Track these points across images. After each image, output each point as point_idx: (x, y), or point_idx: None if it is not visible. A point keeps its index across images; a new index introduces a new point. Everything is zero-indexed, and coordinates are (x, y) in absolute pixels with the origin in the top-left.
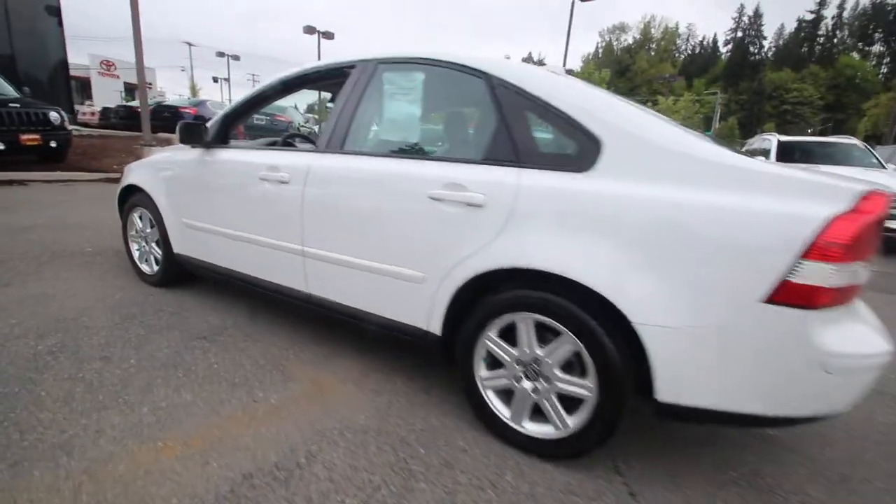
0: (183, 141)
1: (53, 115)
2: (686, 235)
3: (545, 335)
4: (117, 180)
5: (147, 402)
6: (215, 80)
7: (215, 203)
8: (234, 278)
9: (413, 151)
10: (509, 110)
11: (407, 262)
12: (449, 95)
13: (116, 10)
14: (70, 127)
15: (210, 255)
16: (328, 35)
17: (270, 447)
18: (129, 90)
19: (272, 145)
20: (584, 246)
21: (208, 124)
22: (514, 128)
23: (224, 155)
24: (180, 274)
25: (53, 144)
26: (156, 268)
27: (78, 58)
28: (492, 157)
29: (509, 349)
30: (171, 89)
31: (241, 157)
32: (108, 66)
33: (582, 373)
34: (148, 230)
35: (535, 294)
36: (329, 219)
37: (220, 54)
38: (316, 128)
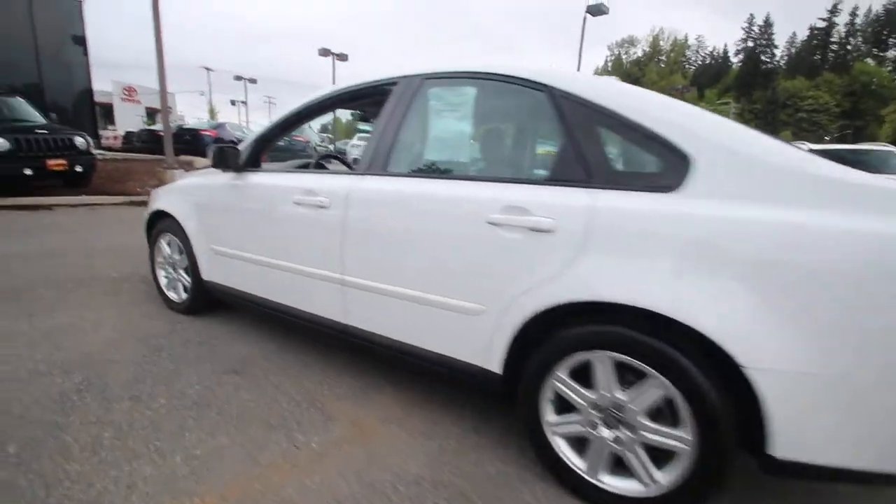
0: (216, 165)
1: (79, 141)
2: (809, 264)
3: (627, 376)
4: (140, 203)
5: (180, 449)
6: (233, 103)
7: (247, 229)
8: (266, 307)
9: (466, 172)
10: (576, 125)
11: (461, 294)
12: (504, 111)
13: (137, 38)
14: (95, 151)
15: (241, 283)
16: (342, 57)
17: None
18: (150, 114)
19: (304, 168)
20: (677, 276)
21: (240, 147)
22: (583, 144)
23: (257, 179)
24: (209, 301)
25: (79, 169)
26: (184, 295)
27: (101, 85)
28: (558, 178)
29: (583, 392)
30: (190, 113)
31: (274, 181)
32: (129, 93)
33: (674, 422)
34: (176, 257)
35: (616, 330)
36: (372, 245)
37: (238, 78)
38: (331, 147)
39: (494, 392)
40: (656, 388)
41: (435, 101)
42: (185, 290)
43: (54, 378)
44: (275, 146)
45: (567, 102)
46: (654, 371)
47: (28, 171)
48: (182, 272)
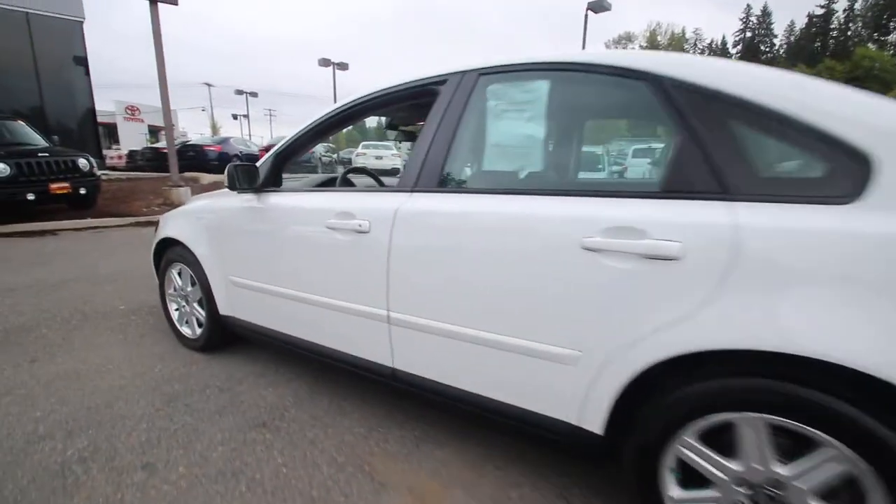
0: (233, 186)
1: (82, 162)
2: None
3: (783, 441)
4: (147, 224)
5: None
6: (234, 117)
7: (270, 258)
8: (294, 346)
9: (546, 185)
10: (702, 121)
11: (546, 337)
12: (590, 108)
13: (138, 58)
14: (98, 172)
15: (263, 319)
16: (343, 66)
17: None
18: (153, 132)
19: (329, 184)
20: (869, 316)
21: (258, 164)
22: (712, 145)
23: (279, 200)
24: (226, 337)
25: (83, 191)
26: (199, 331)
27: (104, 105)
28: (680, 188)
29: (723, 462)
30: (192, 129)
31: (300, 202)
32: (132, 111)
33: None
34: (188, 289)
35: (774, 386)
36: (427, 277)
37: (239, 92)
38: (334, 156)
39: (590, 454)
40: (836, 461)
41: (496, 100)
42: (200, 325)
43: (55, 443)
44: (295, 161)
45: (685, 94)
46: (832, 439)
47: (31, 196)
48: (196, 305)
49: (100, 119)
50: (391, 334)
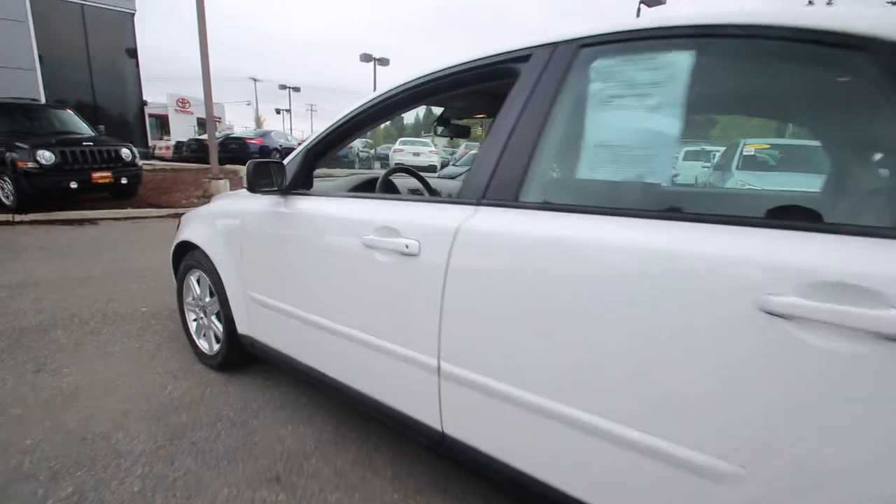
0: (253, 188)
1: (125, 152)
2: None
3: None
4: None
5: None
6: (277, 111)
7: (294, 275)
8: (319, 381)
9: (698, 207)
10: None
11: (711, 442)
12: (764, 93)
13: (192, 53)
14: (140, 163)
15: (285, 345)
16: (383, 62)
17: None
18: (202, 124)
19: (367, 188)
20: None
21: (286, 161)
22: None
23: (308, 205)
24: (246, 356)
25: (124, 181)
26: (216, 347)
27: (157, 97)
28: None
29: None
30: (238, 122)
31: (333, 210)
32: (183, 104)
33: None
34: (207, 299)
35: None
36: (497, 324)
37: (283, 87)
38: (371, 151)
39: None
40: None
41: (604, 81)
42: (218, 340)
43: (37, 487)
44: (328, 160)
45: None
46: None
47: (74, 185)
48: (214, 319)
49: (153, 111)
50: (441, 390)
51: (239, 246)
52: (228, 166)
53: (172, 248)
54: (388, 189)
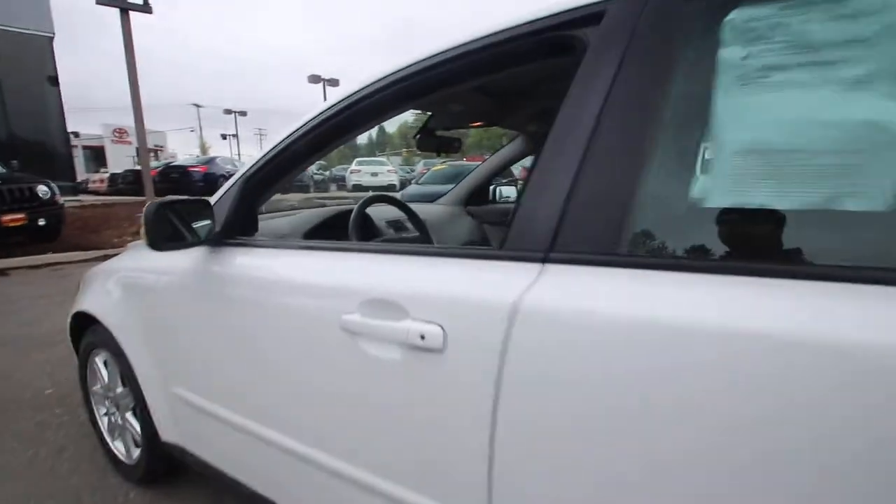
0: (157, 244)
1: (42, 190)
2: None
3: None
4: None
5: None
6: (224, 136)
7: (236, 366)
8: None
9: None
10: None
11: None
12: None
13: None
14: (62, 200)
15: (229, 463)
16: (333, 82)
17: None
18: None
19: (332, 227)
20: None
21: (214, 199)
22: None
23: (250, 261)
24: (175, 464)
25: (42, 223)
26: (136, 453)
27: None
28: None
29: None
30: (182, 149)
31: (288, 270)
32: (120, 134)
33: None
34: (118, 390)
35: None
36: (598, 463)
37: (228, 111)
38: (326, 173)
39: None
40: None
41: (753, 42)
42: (138, 444)
43: None
44: (277, 190)
45: None
46: None
47: None
48: (129, 416)
49: (87, 142)
50: None
51: (154, 322)
52: (170, 197)
53: (69, 320)
54: (365, 228)
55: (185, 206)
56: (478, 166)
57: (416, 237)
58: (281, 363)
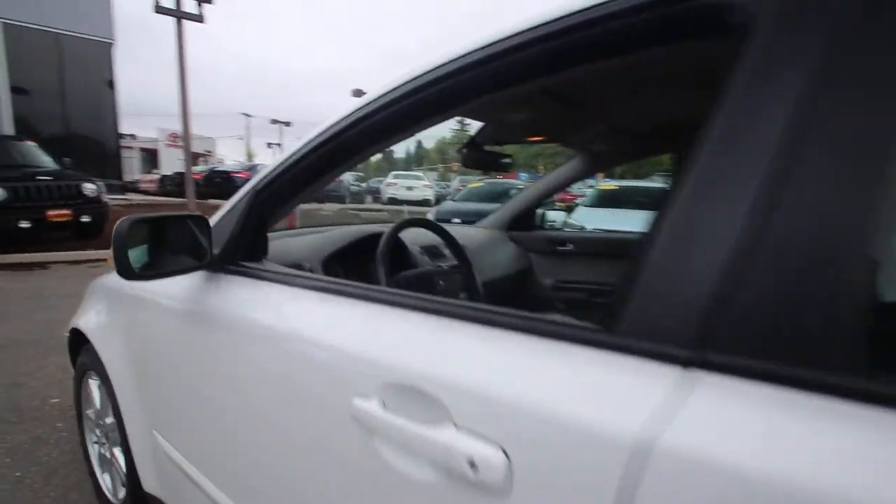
0: (126, 272)
1: (88, 187)
2: None
3: None
4: None
5: None
6: (269, 145)
7: (221, 431)
8: None
9: None
10: None
11: None
12: None
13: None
14: (107, 198)
15: None
16: None
17: None
18: (192, 158)
19: (357, 252)
20: None
21: (216, 218)
22: None
23: (252, 295)
24: None
25: (86, 219)
26: (121, 492)
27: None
28: None
29: None
30: (230, 156)
31: (293, 314)
32: (174, 138)
33: None
34: (108, 419)
35: None
36: None
37: (274, 121)
38: (363, 185)
39: None
40: None
41: None
42: (123, 483)
43: None
44: (292, 207)
45: None
46: None
47: (25, 224)
48: (117, 452)
49: (143, 145)
50: None
51: (139, 353)
52: (212, 201)
53: (66, 334)
54: (396, 255)
55: (173, 223)
56: (518, 185)
57: (453, 266)
58: (272, 440)
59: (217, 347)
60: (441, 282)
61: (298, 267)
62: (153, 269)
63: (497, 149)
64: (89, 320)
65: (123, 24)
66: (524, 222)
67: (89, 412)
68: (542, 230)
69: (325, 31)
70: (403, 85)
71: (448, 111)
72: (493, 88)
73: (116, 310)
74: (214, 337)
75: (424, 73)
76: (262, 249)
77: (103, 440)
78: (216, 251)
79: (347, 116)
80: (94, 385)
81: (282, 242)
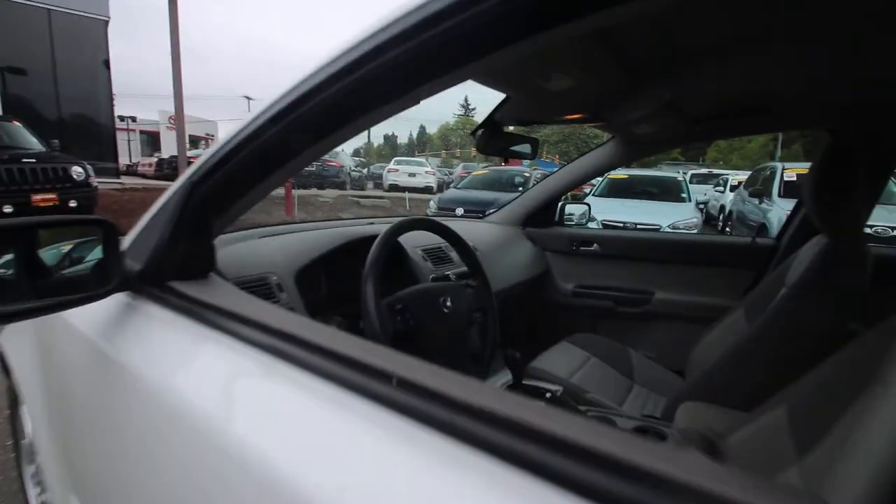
0: None
1: (76, 170)
2: None
3: None
4: None
5: None
6: None
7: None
8: None
9: None
10: None
11: None
12: None
13: (188, 71)
14: (96, 182)
15: None
16: None
17: None
18: (194, 141)
19: (343, 263)
20: None
21: (142, 221)
22: None
23: (168, 345)
24: None
25: (73, 204)
26: None
27: (149, 114)
28: None
29: None
30: None
31: (227, 391)
32: (174, 121)
33: None
34: (39, 458)
35: None
36: None
37: None
38: (364, 171)
39: None
40: None
41: None
42: None
43: None
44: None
45: None
46: None
47: (8, 209)
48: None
49: (144, 128)
50: None
51: (52, 394)
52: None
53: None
54: (392, 261)
55: (64, 230)
56: (524, 173)
57: (462, 275)
58: None
59: (119, 408)
60: (449, 301)
61: (263, 282)
62: (12, 303)
63: (521, 130)
64: (13, 344)
65: (127, 4)
66: (543, 217)
67: (25, 442)
68: (563, 226)
69: (329, 7)
70: (401, 19)
71: (455, 67)
72: (513, 34)
73: (34, 331)
74: (124, 387)
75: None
76: (205, 262)
77: (38, 479)
78: (138, 267)
79: (322, 70)
80: (28, 416)
81: (245, 246)
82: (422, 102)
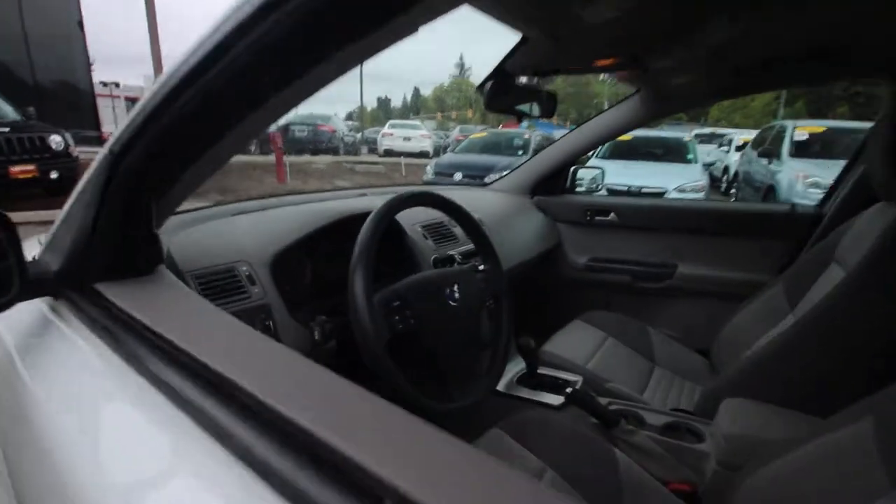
0: None
1: (54, 140)
2: None
3: None
4: None
5: None
6: None
7: None
8: None
9: None
10: None
11: None
12: None
13: (177, 34)
14: (77, 152)
15: None
16: None
17: None
18: None
19: (326, 246)
20: None
21: (64, 208)
22: None
23: (87, 372)
24: None
25: (54, 175)
26: None
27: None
28: None
29: None
30: None
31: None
32: None
33: None
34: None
35: None
36: None
37: None
38: (358, 136)
39: None
40: None
41: None
42: None
43: None
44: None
45: None
46: None
47: None
48: None
49: (129, 94)
50: None
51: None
52: None
53: None
54: (389, 242)
55: None
56: (523, 135)
57: (467, 255)
58: None
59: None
60: (456, 292)
61: (229, 274)
62: None
63: (537, 83)
64: None
65: None
66: (553, 184)
67: None
68: (574, 194)
69: None
70: None
71: None
72: None
73: None
74: (21, 424)
75: None
76: (150, 255)
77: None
78: (55, 267)
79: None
80: None
81: (211, 228)
82: (415, 65)
